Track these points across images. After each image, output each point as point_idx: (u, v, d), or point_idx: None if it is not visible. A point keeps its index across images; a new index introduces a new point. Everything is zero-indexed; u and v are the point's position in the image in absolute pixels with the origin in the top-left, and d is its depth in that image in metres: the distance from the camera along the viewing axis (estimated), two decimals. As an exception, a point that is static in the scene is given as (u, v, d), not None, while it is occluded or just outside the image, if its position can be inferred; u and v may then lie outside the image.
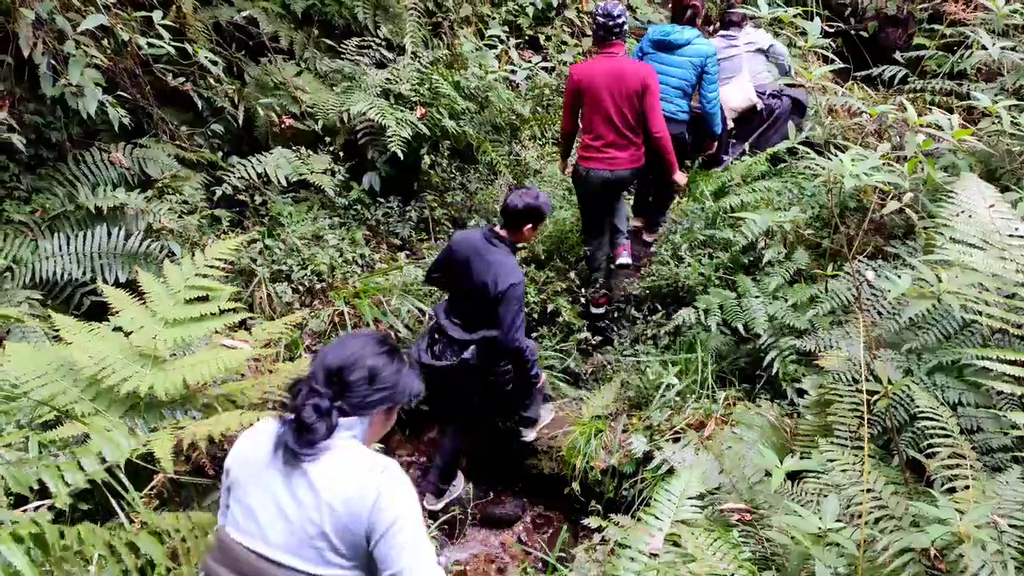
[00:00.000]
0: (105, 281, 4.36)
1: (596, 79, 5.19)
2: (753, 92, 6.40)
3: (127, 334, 3.49)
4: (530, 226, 4.15)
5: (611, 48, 5.19)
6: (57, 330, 3.51)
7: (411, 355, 4.42)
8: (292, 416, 2.01)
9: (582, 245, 5.79)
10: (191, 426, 3.02)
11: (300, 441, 1.97)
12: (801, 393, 4.10)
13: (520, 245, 4.30)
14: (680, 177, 5.53)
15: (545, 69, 6.88)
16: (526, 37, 7.48)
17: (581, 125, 5.43)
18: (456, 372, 4.22)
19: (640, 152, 5.36)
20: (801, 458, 3.53)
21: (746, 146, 6.53)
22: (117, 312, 3.59)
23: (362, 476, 1.96)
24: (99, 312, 4.12)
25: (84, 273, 4.48)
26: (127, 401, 3.28)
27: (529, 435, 4.85)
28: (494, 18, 7.32)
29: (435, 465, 4.62)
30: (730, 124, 6.43)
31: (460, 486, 4.72)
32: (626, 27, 5.20)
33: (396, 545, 1.92)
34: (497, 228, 4.17)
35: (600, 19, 5.17)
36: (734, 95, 6.41)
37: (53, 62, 4.37)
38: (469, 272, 4.11)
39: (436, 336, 4.32)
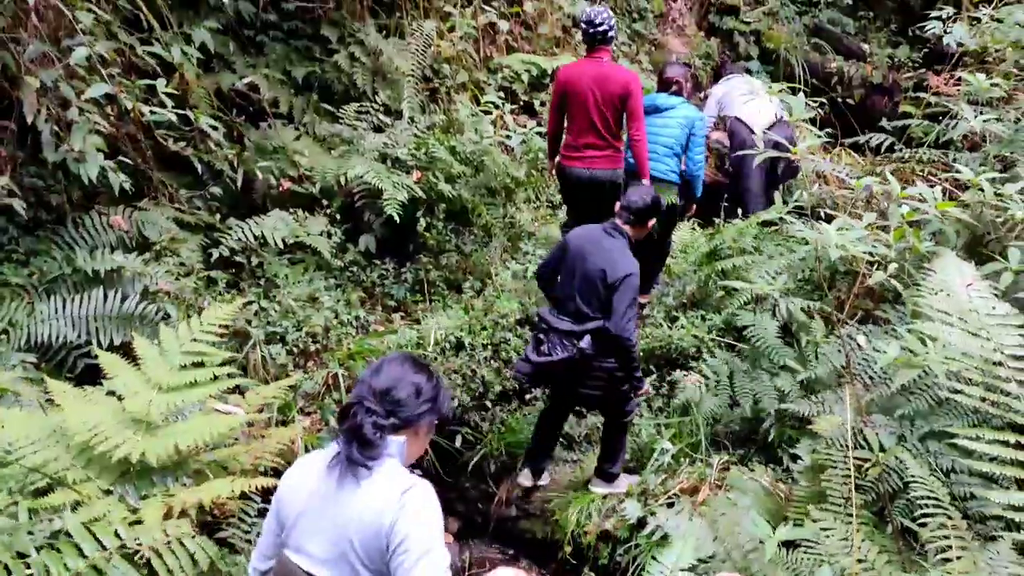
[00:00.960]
0: (100, 344, 4.37)
1: (580, 82, 5.37)
2: (777, 107, 6.60)
3: (120, 399, 3.50)
4: (653, 220, 4.42)
5: (597, 53, 5.37)
6: (50, 394, 3.51)
7: (518, 365, 4.55)
8: (350, 436, 2.13)
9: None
10: (181, 494, 3.01)
11: (364, 454, 2.11)
12: (795, 458, 4.10)
13: None
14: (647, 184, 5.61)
15: (539, 134, 6.99)
16: (521, 103, 7.63)
17: (566, 126, 5.60)
18: (574, 365, 4.28)
19: (619, 156, 5.52)
20: (795, 525, 3.52)
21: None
22: (111, 376, 3.59)
23: (389, 493, 2.10)
24: (93, 375, 4.12)
25: (79, 336, 4.48)
26: (119, 467, 3.27)
27: (525, 480, 4.81)
28: (490, 84, 7.47)
29: (602, 447, 4.66)
30: (759, 138, 6.57)
31: (623, 482, 4.63)
32: (612, 33, 5.35)
33: (403, 563, 2.04)
34: (619, 223, 4.34)
35: (583, 26, 5.37)
36: (758, 115, 6.61)
37: (56, 128, 4.45)
38: (584, 262, 4.24)
39: (542, 337, 4.39)
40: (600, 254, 4.21)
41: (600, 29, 5.28)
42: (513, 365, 5.46)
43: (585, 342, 4.23)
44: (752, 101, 6.45)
